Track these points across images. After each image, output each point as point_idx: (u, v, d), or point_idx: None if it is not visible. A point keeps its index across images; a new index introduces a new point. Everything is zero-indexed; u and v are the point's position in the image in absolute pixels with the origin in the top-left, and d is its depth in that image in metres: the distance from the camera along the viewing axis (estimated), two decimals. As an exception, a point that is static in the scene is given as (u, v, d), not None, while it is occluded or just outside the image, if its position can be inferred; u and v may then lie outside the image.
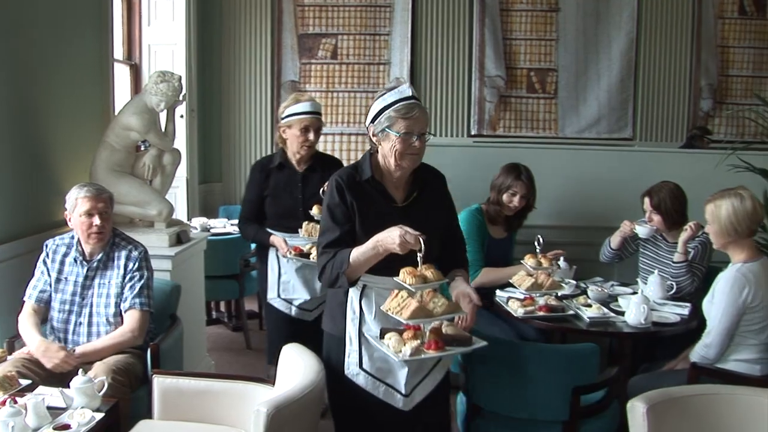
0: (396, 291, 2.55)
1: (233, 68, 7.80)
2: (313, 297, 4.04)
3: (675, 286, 4.05)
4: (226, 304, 6.44)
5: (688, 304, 3.88)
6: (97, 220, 3.34)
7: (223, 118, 7.85)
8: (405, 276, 2.50)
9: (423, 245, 2.42)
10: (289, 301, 4.07)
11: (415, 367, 2.68)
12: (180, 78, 4.26)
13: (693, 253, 4.12)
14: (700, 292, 3.75)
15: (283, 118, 4.04)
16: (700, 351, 3.37)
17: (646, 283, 4.12)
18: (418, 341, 2.54)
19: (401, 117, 2.60)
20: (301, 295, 4.06)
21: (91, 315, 3.39)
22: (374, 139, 2.71)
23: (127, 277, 3.41)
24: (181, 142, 6.36)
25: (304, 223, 3.95)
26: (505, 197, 4.40)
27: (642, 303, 3.57)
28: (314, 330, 3.78)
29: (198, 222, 5.87)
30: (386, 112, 2.63)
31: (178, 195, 6.81)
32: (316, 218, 3.86)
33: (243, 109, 7.83)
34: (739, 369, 3.31)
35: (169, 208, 4.32)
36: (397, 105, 2.61)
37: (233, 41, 7.76)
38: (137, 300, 3.39)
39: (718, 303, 3.34)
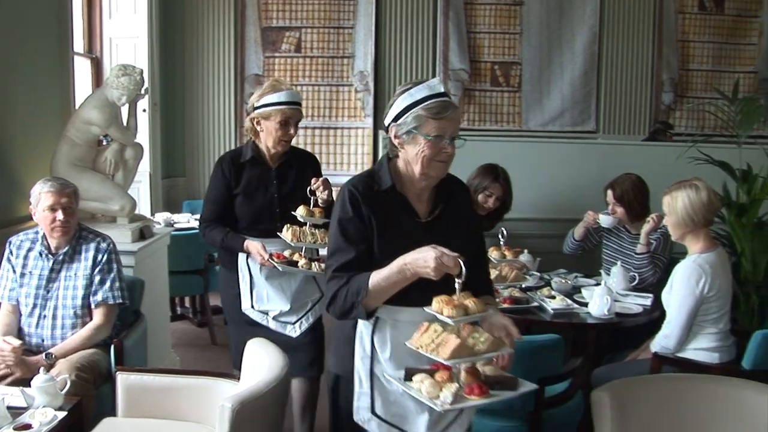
0: (426, 324, 2.15)
1: (196, 62, 7.72)
2: (293, 307, 3.56)
3: (637, 277, 4.10)
4: (190, 299, 6.38)
5: (651, 295, 3.94)
6: (60, 215, 3.31)
7: (186, 112, 7.78)
8: (441, 306, 2.10)
9: (464, 269, 2.07)
10: (265, 312, 3.56)
11: (438, 414, 2.25)
12: (141, 72, 4.21)
13: (655, 245, 4.18)
14: (662, 282, 3.80)
15: (257, 107, 3.51)
16: (661, 341, 3.43)
17: (609, 275, 4.17)
18: (457, 385, 2.10)
19: (432, 117, 2.23)
20: (276, 306, 3.55)
21: (56, 308, 3.36)
22: (396, 142, 2.31)
23: (97, 269, 3.40)
24: (143, 137, 6.29)
25: (286, 227, 3.41)
26: (480, 197, 4.42)
27: (605, 294, 3.61)
28: (297, 343, 3.54)
29: (161, 217, 5.82)
30: (414, 110, 2.24)
31: (141, 190, 6.73)
32: (302, 220, 3.41)
33: (206, 103, 7.76)
34: (699, 357, 3.37)
35: (131, 203, 4.28)
36: (428, 102, 2.23)
37: (196, 34, 7.69)
38: (109, 294, 3.39)
39: (676, 294, 3.40)
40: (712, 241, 3.50)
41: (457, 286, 2.11)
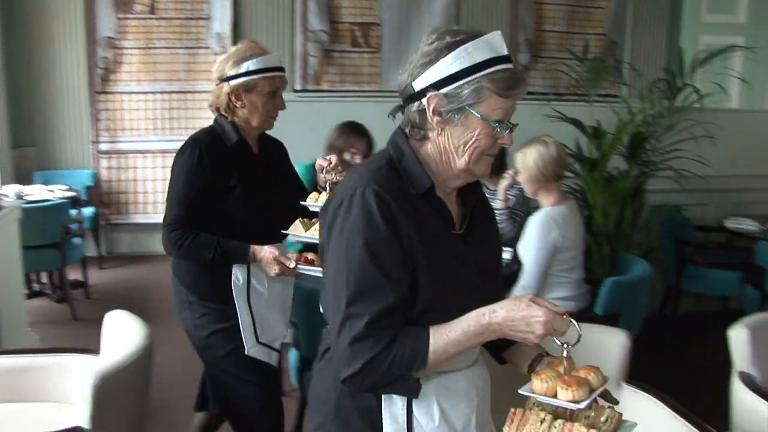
0: (519, 411, 1.57)
1: (42, 23, 7.25)
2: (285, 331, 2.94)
3: (497, 232, 4.24)
4: (48, 274, 6.13)
5: (510, 249, 4.06)
6: None
7: (33, 78, 7.32)
8: (552, 386, 1.50)
9: (580, 332, 1.50)
10: (270, 346, 2.80)
11: None
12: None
13: (513, 200, 4.32)
14: (520, 237, 3.95)
15: (238, 75, 2.67)
16: (518, 292, 3.57)
17: (470, 231, 4.28)
18: None
19: (499, 93, 1.52)
20: (283, 331, 2.88)
21: None
22: (434, 119, 1.57)
23: None
24: (-14, 105, 5.92)
25: (299, 221, 2.71)
26: (346, 156, 4.37)
27: (466, 250, 3.71)
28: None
29: (11, 190, 5.57)
30: (473, 77, 1.51)
31: (-14, 162, 6.38)
32: (314, 209, 2.68)
33: (55, 68, 7.33)
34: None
35: (-25, 176, 4.04)
36: (494, 70, 1.51)
37: (40, -6, 7.24)
38: None
39: (530, 246, 3.55)
40: (563, 195, 3.67)
41: (565, 353, 1.54)
